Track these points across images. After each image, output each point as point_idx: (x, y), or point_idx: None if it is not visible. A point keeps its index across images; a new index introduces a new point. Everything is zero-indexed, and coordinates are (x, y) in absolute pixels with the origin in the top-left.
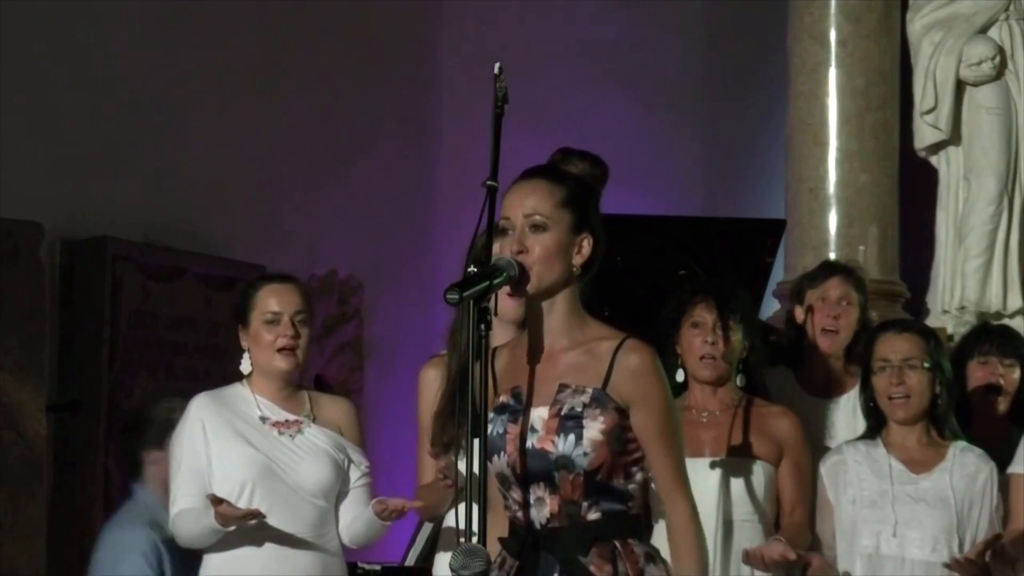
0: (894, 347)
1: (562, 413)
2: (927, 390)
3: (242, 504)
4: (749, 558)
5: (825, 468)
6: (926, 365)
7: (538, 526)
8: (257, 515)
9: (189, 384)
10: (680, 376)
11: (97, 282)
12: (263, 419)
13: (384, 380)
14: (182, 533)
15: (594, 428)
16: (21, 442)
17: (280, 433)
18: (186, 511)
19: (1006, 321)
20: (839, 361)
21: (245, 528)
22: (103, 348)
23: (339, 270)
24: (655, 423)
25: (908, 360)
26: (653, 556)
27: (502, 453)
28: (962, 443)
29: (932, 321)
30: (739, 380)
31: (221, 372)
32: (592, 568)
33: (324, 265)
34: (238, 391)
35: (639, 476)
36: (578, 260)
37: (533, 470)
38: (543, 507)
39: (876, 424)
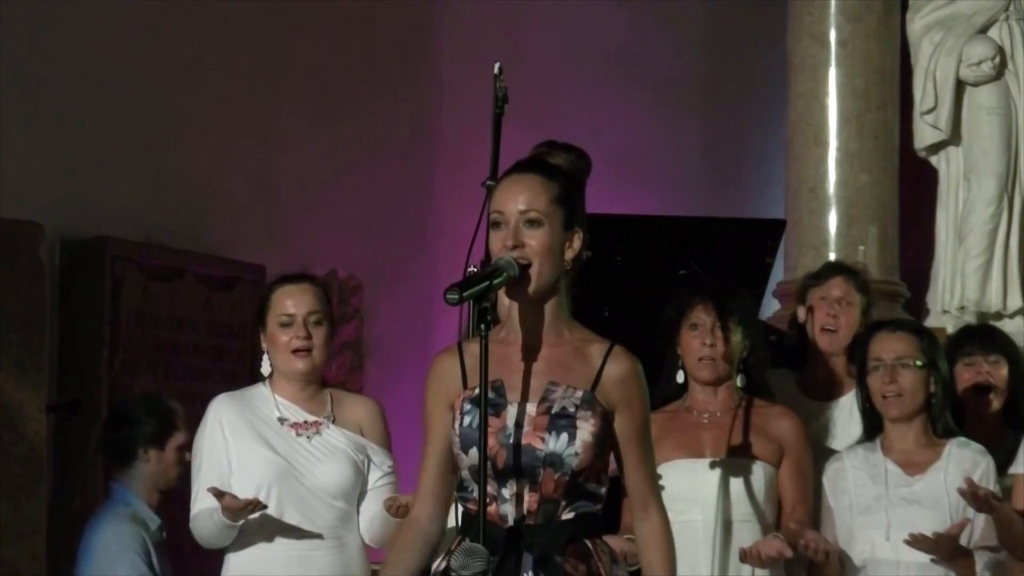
0: (886, 346)
1: (553, 411)
2: (920, 388)
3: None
4: (746, 556)
5: (826, 476)
6: (919, 363)
7: (511, 522)
8: (257, 505)
9: (189, 384)
10: (680, 377)
11: (97, 282)
12: (281, 420)
13: (384, 380)
14: (201, 533)
15: (586, 430)
16: (21, 442)
17: (298, 434)
18: (203, 511)
19: (1006, 321)
20: (839, 362)
21: (264, 527)
22: (103, 348)
23: (339, 270)
24: (636, 430)
25: (900, 359)
26: (615, 557)
27: (477, 447)
28: (960, 439)
29: (932, 321)
30: (739, 380)
31: (221, 372)
32: (567, 567)
33: (324, 265)
34: (259, 391)
35: (605, 480)
36: (569, 255)
37: (515, 465)
38: (520, 503)
39: (873, 426)
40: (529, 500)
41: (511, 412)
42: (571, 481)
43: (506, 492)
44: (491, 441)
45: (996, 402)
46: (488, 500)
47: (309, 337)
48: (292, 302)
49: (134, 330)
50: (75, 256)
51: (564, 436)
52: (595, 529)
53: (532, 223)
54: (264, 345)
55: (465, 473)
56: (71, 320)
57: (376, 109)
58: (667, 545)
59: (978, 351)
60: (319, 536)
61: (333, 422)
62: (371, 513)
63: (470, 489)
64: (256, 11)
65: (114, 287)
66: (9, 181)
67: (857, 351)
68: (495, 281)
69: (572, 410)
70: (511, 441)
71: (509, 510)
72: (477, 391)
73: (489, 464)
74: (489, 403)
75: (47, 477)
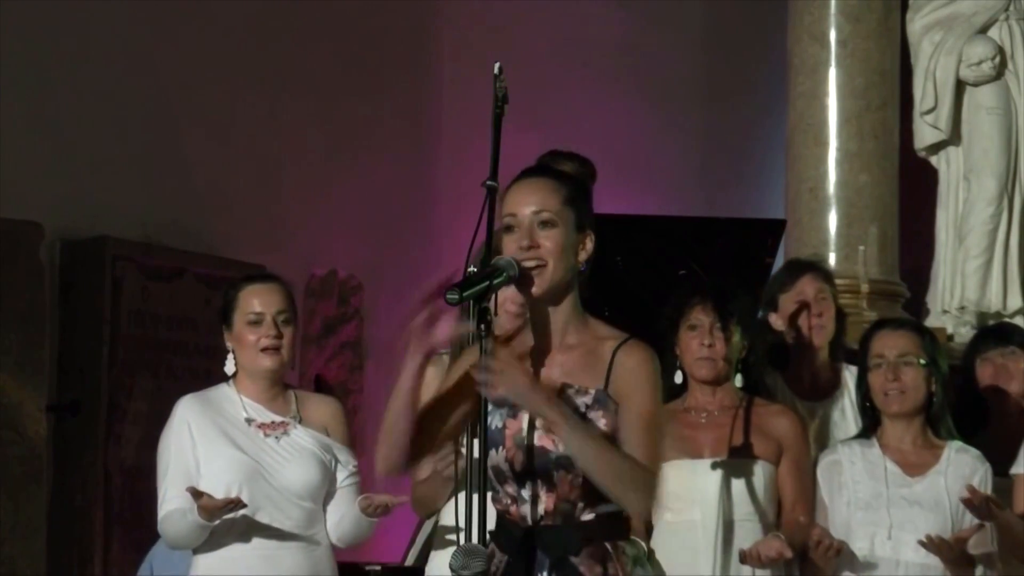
0: (889, 343)
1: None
2: (922, 386)
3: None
4: (746, 558)
5: (820, 468)
6: (921, 361)
7: (530, 523)
8: (238, 503)
9: (189, 384)
10: (679, 378)
11: (97, 282)
12: (248, 421)
13: (384, 380)
14: (170, 534)
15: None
16: (21, 442)
17: (266, 435)
18: (173, 512)
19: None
20: (825, 360)
21: (233, 528)
22: (103, 348)
23: (339, 270)
24: (637, 417)
25: (903, 356)
26: (640, 560)
27: (500, 448)
28: (957, 443)
29: (932, 321)
30: (738, 380)
31: (221, 372)
32: (582, 569)
33: (324, 265)
34: (224, 392)
35: None
36: (583, 256)
37: (530, 467)
38: (538, 504)
39: (871, 423)
40: (547, 501)
41: (527, 414)
42: (586, 482)
43: (525, 493)
44: (508, 443)
45: (1017, 396)
46: (509, 501)
47: (280, 336)
48: (260, 301)
49: (134, 330)
50: (75, 256)
51: None
52: (617, 531)
53: (545, 224)
54: (229, 344)
55: (491, 473)
56: (71, 320)
57: (376, 109)
58: (634, 465)
59: (993, 345)
60: (288, 536)
61: (299, 422)
62: (339, 513)
63: (497, 489)
64: (256, 11)
65: (114, 287)
66: (9, 181)
67: (837, 350)
68: (495, 281)
69: (583, 411)
70: (526, 443)
71: (528, 511)
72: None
73: (508, 465)
74: (507, 405)
75: (47, 477)
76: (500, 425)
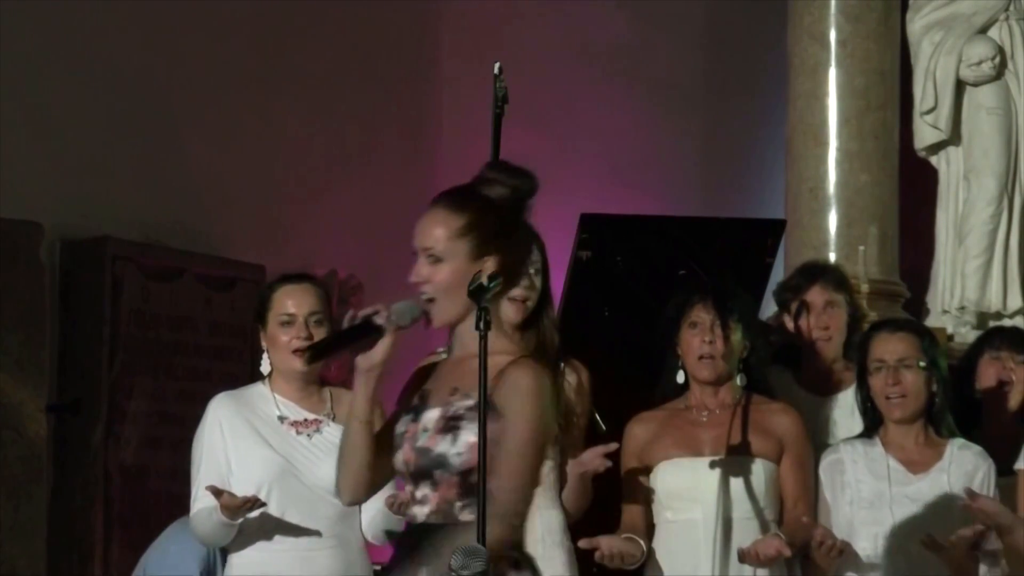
0: (888, 347)
1: (448, 415)
2: (923, 389)
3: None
4: (745, 557)
5: (822, 467)
6: (921, 364)
7: (419, 521)
8: (255, 502)
9: (189, 384)
10: (680, 377)
11: (97, 282)
12: (281, 418)
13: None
14: (199, 532)
15: (471, 431)
16: (21, 442)
17: (298, 433)
18: (201, 510)
19: (1006, 321)
20: (837, 357)
21: (264, 527)
22: (103, 348)
23: (339, 270)
24: (508, 439)
25: (903, 360)
26: (519, 562)
27: (400, 450)
28: (960, 440)
29: (932, 321)
30: (740, 380)
31: (221, 372)
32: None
33: (324, 265)
34: (258, 390)
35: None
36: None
37: (419, 467)
38: (425, 504)
39: (873, 423)
40: (432, 501)
41: (424, 418)
42: (462, 481)
43: (418, 493)
44: (406, 446)
45: (1015, 401)
46: (410, 503)
47: (310, 337)
48: (293, 302)
49: (134, 330)
50: (75, 256)
51: (449, 437)
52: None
53: (433, 259)
54: (264, 344)
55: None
56: (71, 320)
57: (376, 109)
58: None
59: (1007, 347)
60: (321, 535)
61: (333, 420)
62: (373, 510)
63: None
64: (256, 11)
65: (114, 287)
66: (9, 181)
67: (855, 340)
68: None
69: (462, 412)
70: (417, 444)
71: (418, 510)
72: (414, 400)
73: (404, 467)
74: (413, 410)
75: (47, 477)
76: (403, 429)
